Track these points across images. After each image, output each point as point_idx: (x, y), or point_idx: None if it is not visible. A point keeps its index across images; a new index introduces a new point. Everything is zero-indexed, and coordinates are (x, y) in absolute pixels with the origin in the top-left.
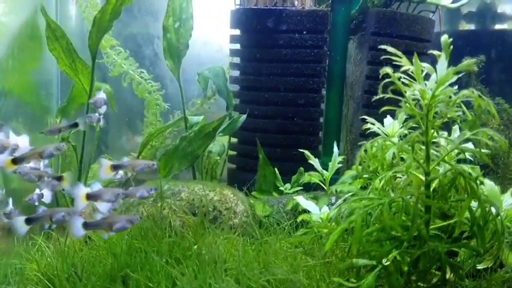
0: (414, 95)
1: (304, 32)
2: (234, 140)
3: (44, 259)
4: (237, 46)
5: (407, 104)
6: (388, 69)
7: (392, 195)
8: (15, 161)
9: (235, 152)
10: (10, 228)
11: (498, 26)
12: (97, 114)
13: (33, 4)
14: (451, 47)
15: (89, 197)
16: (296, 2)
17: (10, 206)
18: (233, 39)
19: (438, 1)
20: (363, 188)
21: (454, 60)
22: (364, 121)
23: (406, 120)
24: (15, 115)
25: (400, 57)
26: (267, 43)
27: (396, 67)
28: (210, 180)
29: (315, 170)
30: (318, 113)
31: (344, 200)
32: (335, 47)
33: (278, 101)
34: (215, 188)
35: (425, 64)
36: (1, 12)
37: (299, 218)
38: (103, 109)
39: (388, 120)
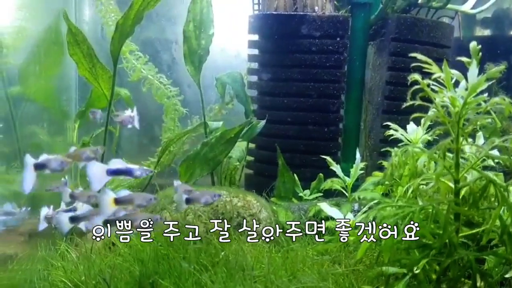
0: (443, 102)
1: (325, 38)
2: (251, 145)
3: (70, 265)
4: (256, 51)
5: (434, 111)
6: (416, 76)
7: (420, 202)
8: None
9: (252, 158)
10: (31, 234)
11: None
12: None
13: (53, 9)
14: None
15: (118, 202)
16: (316, 8)
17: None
18: (252, 44)
19: (458, 7)
20: (385, 195)
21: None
22: (384, 127)
23: (429, 126)
24: (40, 120)
25: (430, 64)
26: (287, 49)
27: (419, 73)
28: (229, 185)
29: (334, 176)
30: (337, 119)
31: (370, 208)
32: (355, 53)
33: (297, 107)
34: (238, 194)
35: (454, 71)
36: (22, 18)
37: (327, 224)
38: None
39: (411, 126)
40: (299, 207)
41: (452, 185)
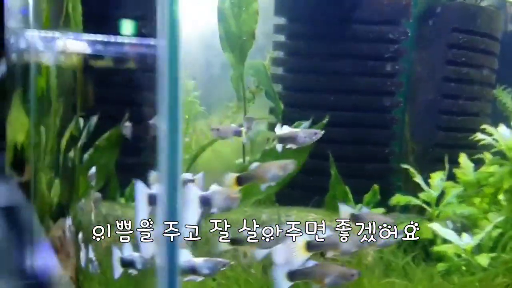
0: None
1: (381, 24)
2: None
3: None
4: (282, 37)
5: None
6: None
7: None
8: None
9: None
10: None
11: None
12: None
13: None
14: None
15: (311, 247)
16: None
17: None
18: (278, 29)
19: None
20: None
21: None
22: (443, 129)
23: None
24: None
25: None
26: (329, 35)
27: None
28: None
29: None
30: (392, 120)
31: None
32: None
33: (343, 105)
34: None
35: None
36: None
37: (436, 249)
38: None
39: (505, 130)
40: None
41: None
